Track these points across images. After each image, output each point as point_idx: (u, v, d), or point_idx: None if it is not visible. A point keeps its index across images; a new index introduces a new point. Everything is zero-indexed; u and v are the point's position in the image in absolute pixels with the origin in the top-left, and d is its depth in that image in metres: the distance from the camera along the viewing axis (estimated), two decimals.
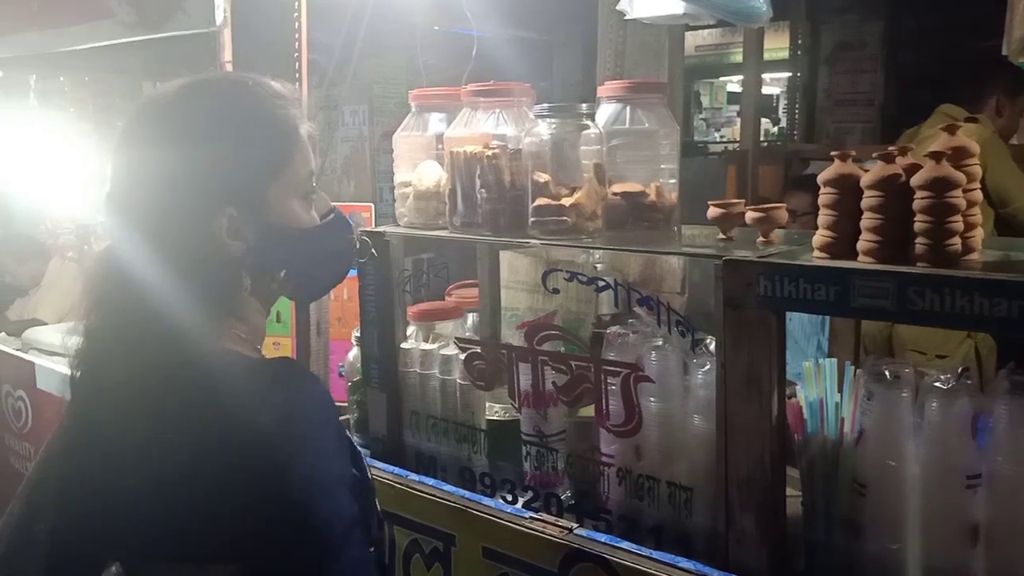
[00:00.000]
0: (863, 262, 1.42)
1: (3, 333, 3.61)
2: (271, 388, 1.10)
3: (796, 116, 5.37)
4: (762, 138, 6.97)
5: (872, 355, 2.38)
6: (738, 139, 8.37)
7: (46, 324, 3.78)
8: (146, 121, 1.16)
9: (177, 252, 1.12)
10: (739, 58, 7.82)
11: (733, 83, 9.93)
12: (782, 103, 9.11)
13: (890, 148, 1.46)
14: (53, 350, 3.26)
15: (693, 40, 7.74)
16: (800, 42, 5.31)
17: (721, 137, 9.31)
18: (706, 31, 7.41)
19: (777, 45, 5.67)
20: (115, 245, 1.14)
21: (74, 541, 1.14)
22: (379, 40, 2.70)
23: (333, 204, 1.30)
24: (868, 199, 1.43)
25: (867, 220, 1.43)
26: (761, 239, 1.65)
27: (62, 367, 2.88)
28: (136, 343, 1.10)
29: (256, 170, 1.16)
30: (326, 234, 1.25)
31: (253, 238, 1.15)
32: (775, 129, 8.34)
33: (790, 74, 5.55)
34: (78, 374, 1.14)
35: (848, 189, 1.47)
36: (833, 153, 1.51)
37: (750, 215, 1.67)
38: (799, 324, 3.02)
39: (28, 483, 1.24)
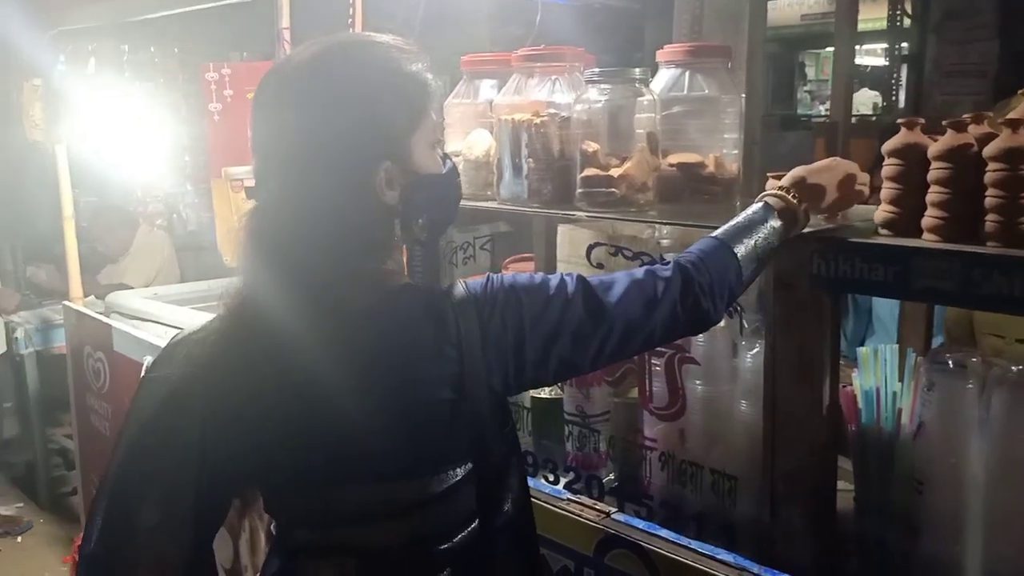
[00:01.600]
0: (927, 240, 1.30)
1: (92, 297, 3.73)
2: (460, 305, 1.21)
3: (895, 88, 5.08)
4: (870, 111, 6.61)
5: (954, 342, 2.23)
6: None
7: (132, 288, 3.91)
8: (296, 84, 1.19)
9: (343, 207, 1.17)
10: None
11: None
12: (893, 75, 8.69)
13: (964, 116, 1.33)
14: (133, 314, 3.36)
15: (799, 9, 7.42)
16: (906, 10, 5.01)
17: (827, 110, 8.93)
18: (814, 0, 7.10)
19: (878, 15, 5.38)
20: (275, 203, 1.19)
21: (301, 473, 1.22)
22: (441, 8, 2.63)
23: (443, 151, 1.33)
24: (935, 171, 1.30)
25: (933, 194, 1.31)
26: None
27: (139, 331, 2.99)
28: (322, 289, 1.18)
29: (403, 123, 1.21)
30: (451, 179, 1.30)
31: (402, 187, 1.20)
32: (883, 103, 7.95)
33: (891, 45, 5.25)
34: (247, 324, 1.19)
35: (914, 160, 1.34)
36: (900, 121, 1.38)
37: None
38: (887, 307, 2.85)
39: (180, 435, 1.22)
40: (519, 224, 2.21)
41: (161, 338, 2.91)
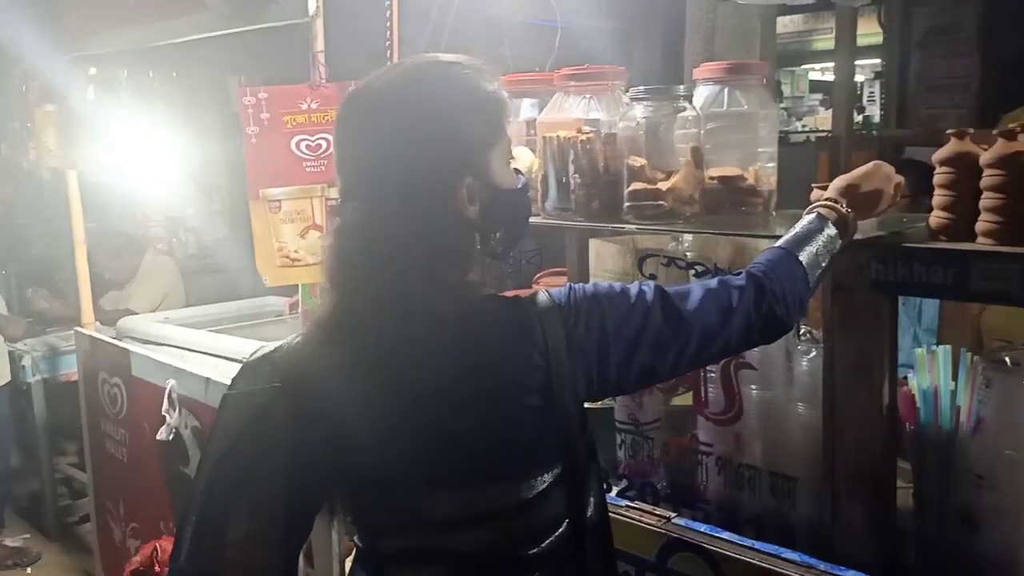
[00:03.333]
0: (983, 244, 1.36)
1: (98, 323, 3.72)
2: (545, 313, 1.25)
3: (883, 102, 5.19)
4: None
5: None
6: (820, 128, 8.15)
7: (136, 314, 3.90)
8: (382, 106, 1.24)
9: (429, 221, 1.20)
10: (823, 45, 7.63)
11: (815, 71, 9.69)
12: (867, 90, 8.87)
13: (1012, 125, 1.40)
14: (147, 339, 3.36)
15: (776, 28, 7.56)
16: (891, 26, 5.13)
17: (803, 127, 9.10)
18: (788, 18, 7.23)
19: (866, 30, 5.50)
20: (363, 220, 1.21)
21: (398, 479, 1.24)
22: (463, 34, 2.69)
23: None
24: (988, 178, 1.36)
25: (987, 200, 1.37)
26: None
27: (157, 354, 2.99)
28: (411, 300, 1.20)
29: (483, 140, 1.25)
30: (524, 193, 1.35)
31: (482, 201, 1.24)
32: (860, 118, 8.11)
33: (880, 60, 5.37)
34: (337, 336, 1.22)
35: (966, 168, 1.40)
36: (949, 132, 1.44)
37: (815, 195, 1.56)
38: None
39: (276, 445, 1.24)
40: (555, 239, 2.25)
41: (182, 361, 2.93)
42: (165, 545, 2.59)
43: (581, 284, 1.31)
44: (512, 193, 1.30)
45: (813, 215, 1.42)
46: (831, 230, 1.40)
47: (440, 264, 1.22)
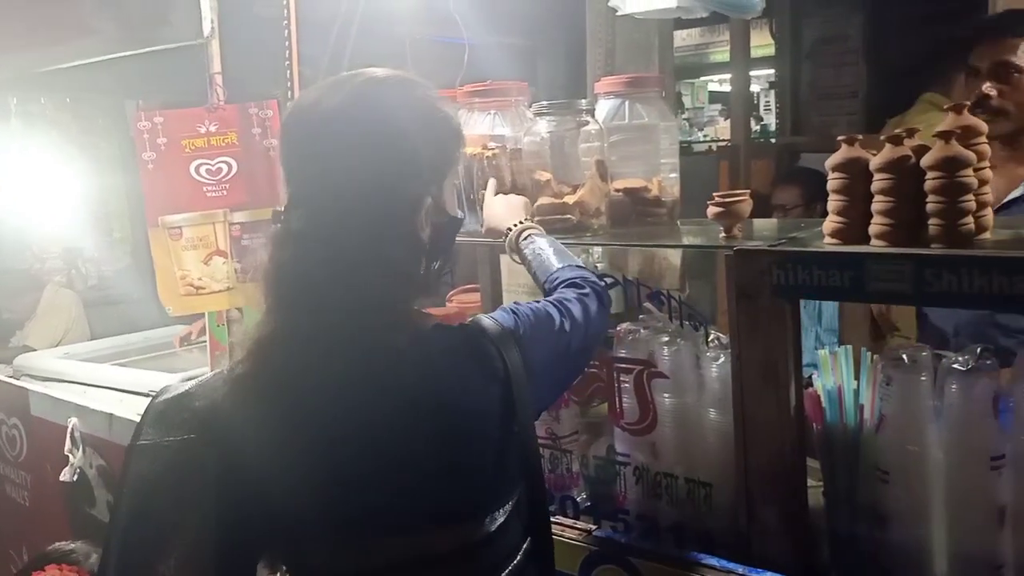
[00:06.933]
0: (876, 246, 1.40)
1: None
2: (500, 339, 1.23)
3: (778, 111, 5.36)
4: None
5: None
6: (722, 138, 8.37)
7: (35, 351, 3.73)
8: (337, 124, 1.17)
9: (387, 244, 1.16)
10: (720, 57, 7.84)
11: (714, 82, 9.95)
12: (763, 100, 9.15)
13: (897, 130, 1.45)
14: (47, 375, 3.21)
15: (673, 41, 7.75)
16: (782, 38, 5.31)
17: (705, 136, 9.33)
18: (686, 31, 7.41)
19: (759, 43, 5.67)
20: (312, 232, 1.15)
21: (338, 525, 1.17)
22: (366, 50, 2.67)
23: None
24: (879, 182, 1.41)
25: (878, 203, 1.41)
26: (724, 234, 1.61)
27: (57, 392, 2.86)
28: (359, 330, 1.14)
29: (445, 163, 1.24)
30: (461, 225, 1.31)
31: (434, 226, 1.22)
32: (757, 127, 8.36)
33: (774, 70, 5.55)
34: (274, 372, 1.15)
35: (857, 173, 1.45)
36: (840, 138, 1.49)
37: (711, 210, 1.62)
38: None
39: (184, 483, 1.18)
40: (465, 256, 2.24)
41: (84, 397, 2.81)
42: None
43: (516, 306, 1.31)
44: (458, 221, 1.29)
45: (537, 241, 1.58)
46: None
47: (394, 287, 1.17)
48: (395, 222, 1.17)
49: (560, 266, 1.50)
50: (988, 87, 2.06)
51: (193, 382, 1.21)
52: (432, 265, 1.25)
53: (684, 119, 9.75)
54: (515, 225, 1.61)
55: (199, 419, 1.15)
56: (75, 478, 2.62)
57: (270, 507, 1.15)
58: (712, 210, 1.60)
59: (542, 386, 1.26)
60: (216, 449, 1.14)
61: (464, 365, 1.20)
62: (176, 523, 1.15)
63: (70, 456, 2.61)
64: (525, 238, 1.58)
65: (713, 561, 1.51)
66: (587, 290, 1.43)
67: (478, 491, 1.20)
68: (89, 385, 3.03)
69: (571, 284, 1.45)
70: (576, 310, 1.37)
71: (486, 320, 1.26)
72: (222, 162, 2.28)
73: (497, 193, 1.75)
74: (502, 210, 1.67)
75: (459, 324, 1.28)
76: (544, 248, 1.55)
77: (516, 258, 1.62)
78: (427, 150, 1.20)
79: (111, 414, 2.49)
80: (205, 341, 2.66)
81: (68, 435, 2.63)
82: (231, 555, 1.16)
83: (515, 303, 1.33)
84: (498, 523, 1.20)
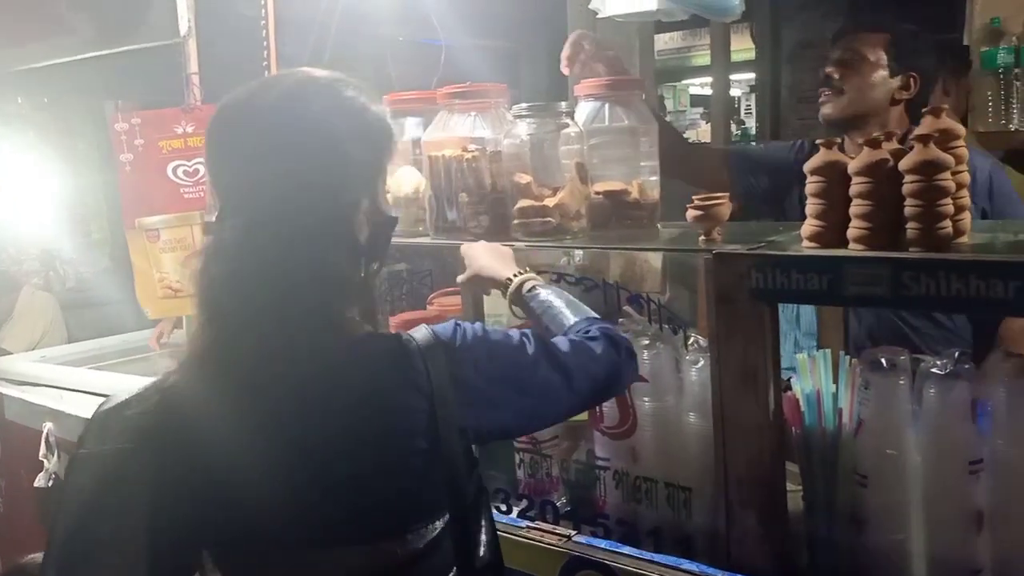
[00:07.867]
0: (854, 250, 1.40)
1: None
2: (429, 350, 1.19)
3: (758, 114, 5.39)
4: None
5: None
6: (702, 141, 8.41)
7: (11, 354, 3.69)
8: (266, 124, 1.15)
9: (323, 248, 1.14)
10: (701, 61, 7.89)
11: (696, 86, 9.99)
12: (744, 103, 9.20)
13: (876, 134, 1.45)
14: (22, 380, 3.17)
15: (654, 45, 7.78)
16: (762, 42, 5.34)
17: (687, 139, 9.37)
18: (667, 35, 7.44)
19: (740, 46, 5.71)
20: (243, 240, 1.12)
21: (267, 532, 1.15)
22: (346, 51, 2.65)
23: None
24: (857, 186, 1.41)
25: (856, 207, 1.41)
26: (703, 238, 1.59)
27: (32, 396, 2.83)
28: (292, 339, 1.12)
29: (379, 163, 1.22)
30: (396, 224, 1.29)
31: (372, 227, 1.20)
32: (738, 130, 8.40)
33: (754, 74, 5.58)
34: (206, 382, 1.14)
35: (835, 177, 1.45)
36: (819, 142, 1.49)
37: (690, 213, 1.61)
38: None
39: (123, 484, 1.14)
40: (445, 259, 2.23)
41: (60, 402, 2.77)
42: None
43: (467, 323, 1.28)
44: (394, 220, 1.27)
45: (542, 293, 1.51)
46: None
47: (329, 294, 1.15)
48: (332, 226, 1.15)
49: (575, 319, 1.44)
50: (831, 69, 2.26)
51: (134, 391, 1.19)
52: (371, 267, 1.23)
53: (667, 122, 9.80)
54: (514, 276, 1.55)
55: (133, 428, 1.13)
56: (50, 483, 2.59)
57: (203, 518, 1.14)
58: (691, 213, 1.59)
59: (483, 403, 1.21)
60: (152, 456, 1.12)
61: (391, 376, 1.17)
62: (110, 536, 1.11)
63: (45, 461, 2.58)
64: (529, 290, 1.52)
65: (693, 566, 1.50)
66: (595, 334, 1.36)
67: (405, 505, 1.18)
68: (65, 389, 3.00)
69: (581, 331, 1.39)
70: (559, 341, 1.33)
71: (424, 330, 1.23)
72: (199, 163, 2.27)
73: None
74: (492, 260, 1.60)
75: (395, 333, 1.26)
76: (554, 301, 1.48)
77: (517, 311, 1.57)
78: (361, 152, 1.18)
79: (87, 419, 2.46)
80: (178, 341, 2.63)
81: (43, 440, 2.60)
82: (164, 568, 1.13)
83: (478, 323, 1.30)
84: (427, 540, 1.17)
